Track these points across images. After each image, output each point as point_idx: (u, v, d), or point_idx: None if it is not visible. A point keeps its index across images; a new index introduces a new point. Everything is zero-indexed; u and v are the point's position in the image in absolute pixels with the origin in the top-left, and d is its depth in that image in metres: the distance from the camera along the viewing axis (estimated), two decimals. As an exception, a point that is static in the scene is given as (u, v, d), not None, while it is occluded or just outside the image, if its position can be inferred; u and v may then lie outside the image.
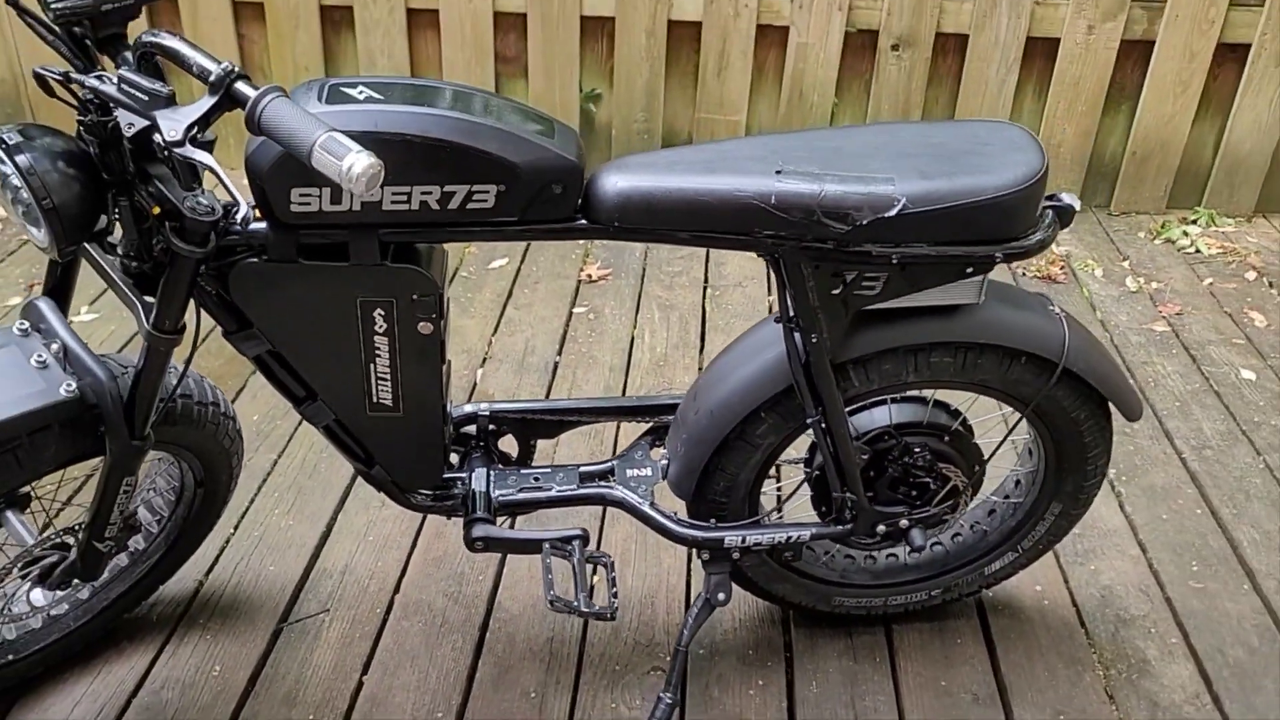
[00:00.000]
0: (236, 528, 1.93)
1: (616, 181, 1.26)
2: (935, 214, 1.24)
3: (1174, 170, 3.24)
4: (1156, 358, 2.56)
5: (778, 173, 1.25)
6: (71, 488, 1.94)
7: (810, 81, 3.18)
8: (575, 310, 2.69)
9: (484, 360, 2.48)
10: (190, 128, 0.95)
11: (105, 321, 2.55)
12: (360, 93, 1.17)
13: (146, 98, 0.97)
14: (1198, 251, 3.08)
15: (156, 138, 1.09)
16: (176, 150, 0.95)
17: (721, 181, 1.25)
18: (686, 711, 1.62)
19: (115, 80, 1.00)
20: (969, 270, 1.31)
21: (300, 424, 2.20)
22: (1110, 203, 3.32)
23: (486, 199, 1.22)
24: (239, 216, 0.99)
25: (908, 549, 1.72)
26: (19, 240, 2.92)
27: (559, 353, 2.52)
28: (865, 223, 1.24)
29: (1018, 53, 3.10)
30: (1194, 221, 3.23)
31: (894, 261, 1.28)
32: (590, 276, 2.84)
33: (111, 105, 1.07)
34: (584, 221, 1.29)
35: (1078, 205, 1.36)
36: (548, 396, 2.35)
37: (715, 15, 3.11)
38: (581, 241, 3.00)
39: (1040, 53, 3.12)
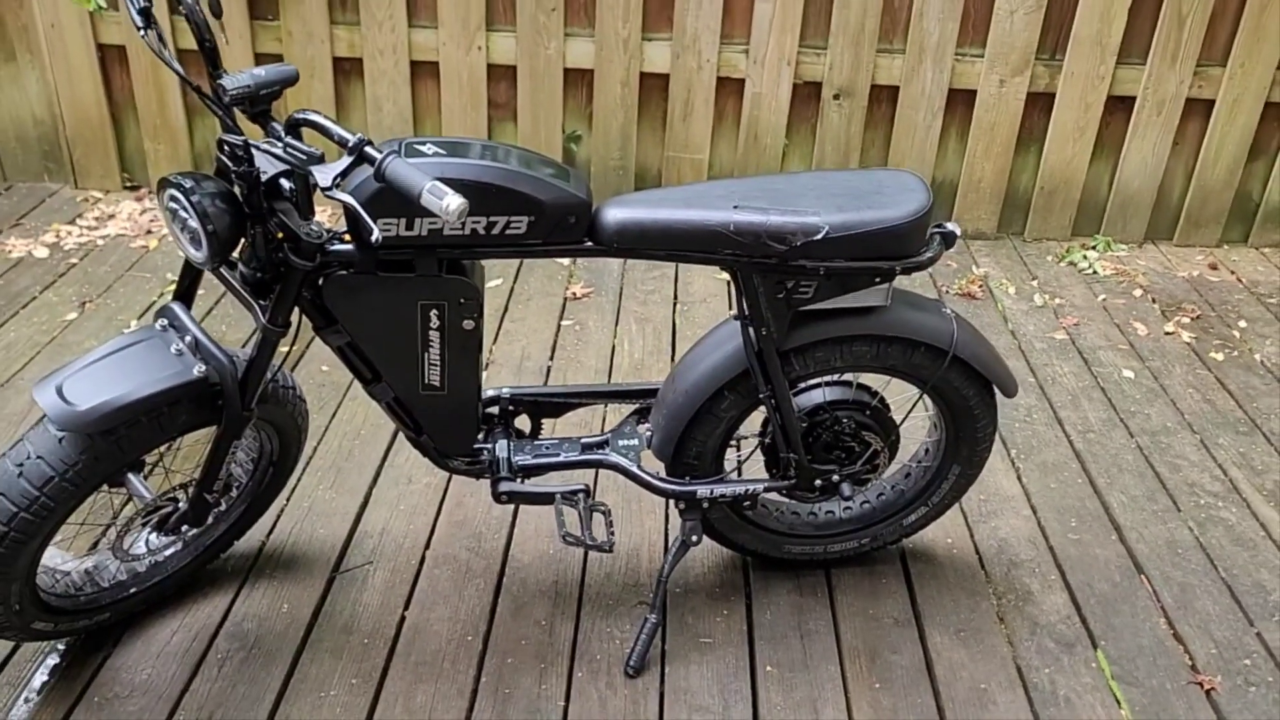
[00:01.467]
0: (288, 500, 2.32)
1: (616, 213, 1.69)
2: (850, 237, 1.68)
3: (1076, 203, 3.74)
4: (1055, 360, 3.03)
5: (735, 207, 1.68)
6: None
7: (764, 126, 3.64)
8: (563, 323, 3.11)
9: (487, 365, 2.89)
10: (335, 178, 1.37)
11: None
12: (429, 149, 1.58)
13: (305, 157, 1.38)
14: (1095, 273, 3.57)
15: (284, 182, 1.51)
16: (325, 193, 1.37)
17: (694, 214, 1.68)
18: (667, 635, 2.02)
19: (281, 145, 1.40)
20: (877, 279, 1.75)
21: (334, 416, 2.60)
22: (1024, 231, 3.81)
23: (520, 227, 1.63)
24: (374, 238, 1.38)
25: (842, 505, 2.16)
26: (67, 264, 3.29)
27: (551, 358, 2.94)
28: (799, 244, 1.67)
29: (941, 102, 3.59)
30: (1093, 247, 3.73)
31: (821, 272, 1.71)
32: (575, 294, 3.26)
33: (253, 158, 1.48)
34: (590, 243, 1.71)
35: (959, 231, 1.81)
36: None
37: (681, 69, 3.57)
38: (566, 264, 3.43)
39: (960, 102, 3.61)
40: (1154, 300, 3.41)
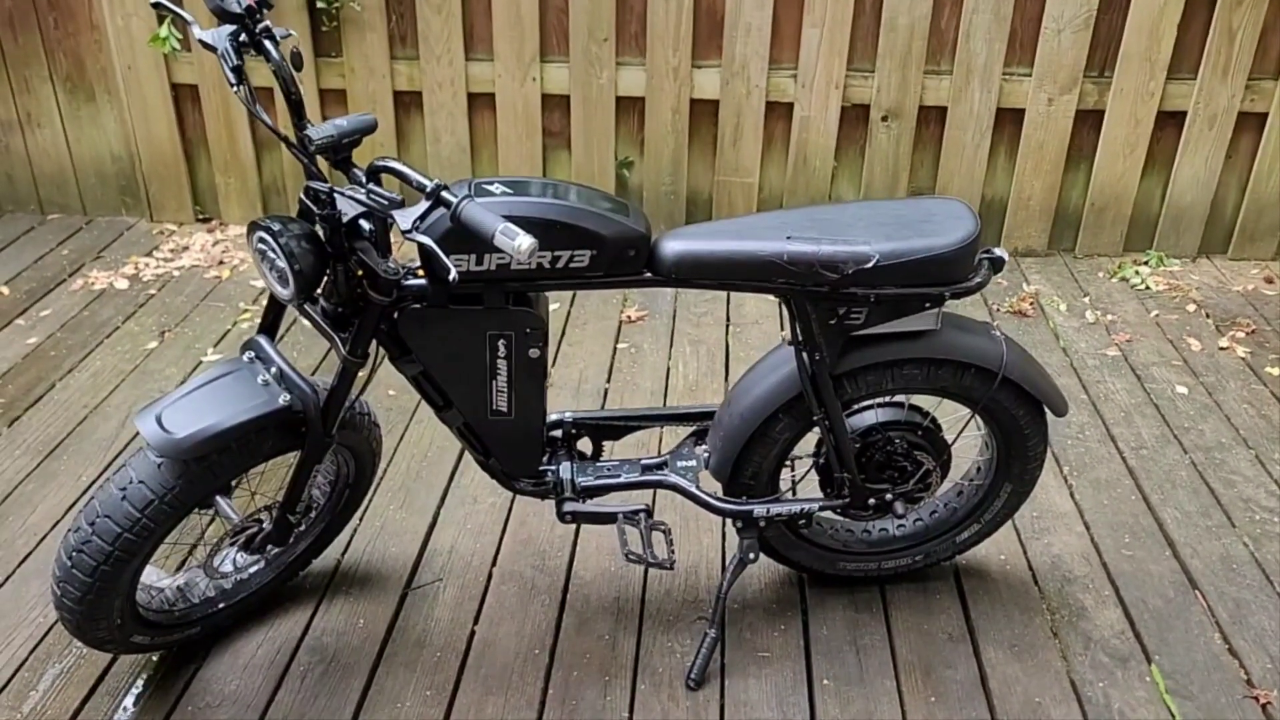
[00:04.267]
0: (361, 520, 2.42)
1: (674, 246, 1.76)
2: (900, 265, 1.74)
3: (1127, 219, 3.75)
4: (1108, 377, 3.05)
5: (788, 238, 1.76)
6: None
7: (812, 149, 3.71)
8: (619, 346, 3.20)
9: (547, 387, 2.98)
10: (415, 221, 1.47)
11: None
12: (497, 189, 1.68)
13: (386, 202, 1.48)
14: (1147, 288, 3.58)
15: (363, 223, 1.62)
16: (406, 235, 1.47)
17: (749, 245, 1.75)
18: (726, 649, 2.09)
19: (365, 191, 1.51)
20: (927, 304, 1.81)
21: (402, 438, 2.71)
22: (1075, 247, 3.83)
23: (583, 260, 1.72)
24: (451, 278, 1.47)
25: (895, 523, 2.21)
26: (146, 295, 3.45)
27: (608, 381, 3.02)
28: (850, 273, 1.74)
29: (989, 122, 3.63)
30: (1145, 263, 3.73)
31: (872, 299, 1.78)
32: (630, 318, 3.35)
33: (335, 202, 1.59)
34: (649, 274, 1.79)
35: (1006, 256, 1.86)
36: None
37: (731, 95, 3.65)
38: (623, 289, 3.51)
39: (1009, 121, 3.65)
40: (1208, 315, 3.41)
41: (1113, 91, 3.55)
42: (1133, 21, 3.45)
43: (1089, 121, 3.63)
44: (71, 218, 4.02)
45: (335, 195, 1.59)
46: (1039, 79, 3.55)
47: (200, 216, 4.00)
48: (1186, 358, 3.15)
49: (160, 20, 3.58)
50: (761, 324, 3.33)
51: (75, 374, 3.00)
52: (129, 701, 1.94)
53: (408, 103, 3.77)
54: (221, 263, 3.68)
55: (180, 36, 3.58)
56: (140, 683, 1.98)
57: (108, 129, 3.90)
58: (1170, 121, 3.61)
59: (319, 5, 3.56)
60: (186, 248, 3.79)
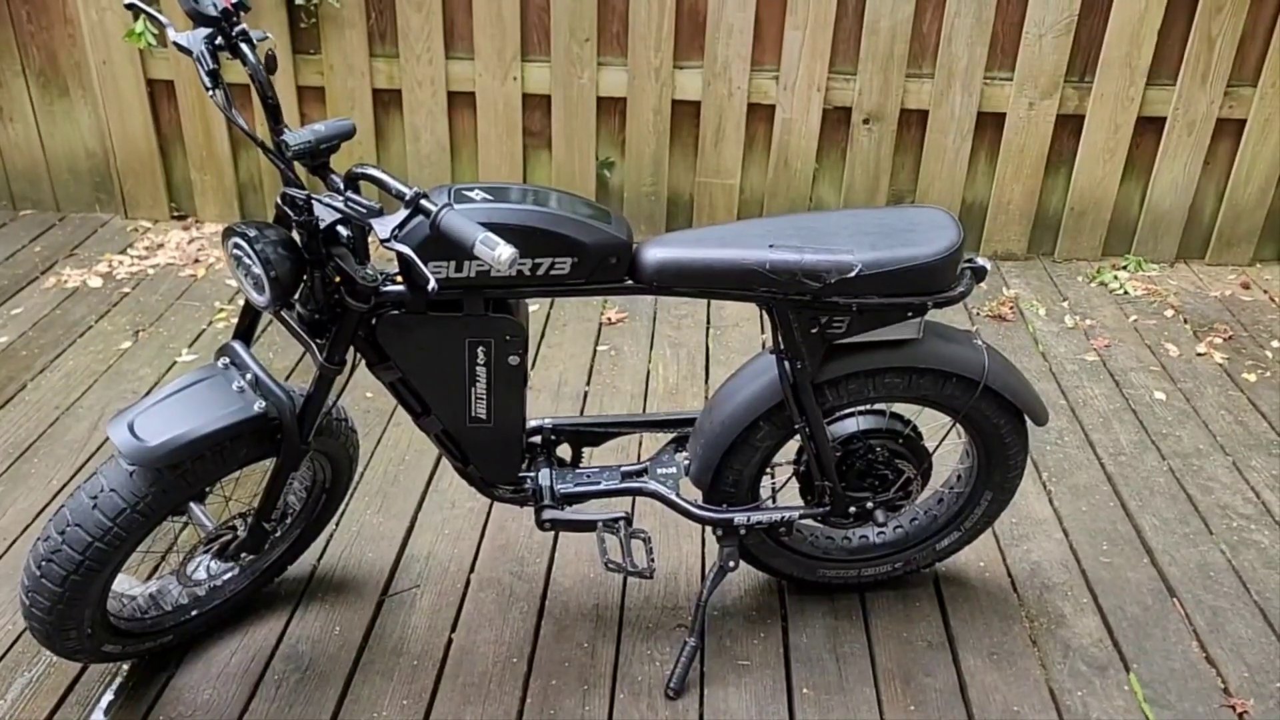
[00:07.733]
0: (337, 525, 2.40)
1: (656, 253, 1.75)
2: (883, 275, 1.74)
3: (1106, 223, 3.76)
4: (1087, 382, 3.06)
5: (771, 247, 1.74)
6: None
7: (794, 151, 3.70)
8: (599, 348, 3.18)
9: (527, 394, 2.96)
10: (394, 230, 1.44)
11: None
12: (477, 195, 1.66)
13: (365, 210, 1.46)
14: (1126, 293, 3.60)
15: (340, 229, 1.59)
16: (385, 244, 1.44)
17: (731, 253, 1.74)
18: (705, 657, 2.08)
19: (343, 199, 1.48)
20: (909, 314, 1.81)
21: (379, 442, 2.68)
22: (1054, 251, 3.84)
23: (564, 267, 1.70)
24: (430, 288, 1.45)
25: (876, 530, 2.20)
26: (120, 293, 3.40)
27: (587, 383, 3.01)
28: (833, 282, 1.73)
29: (970, 125, 3.63)
30: (1124, 267, 3.75)
31: (854, 308, 1.77)
32: (610, 320, 3.33)
33: (312, 209, 1.56)
34: (631, 282, 1.78)
35: (989, 266, 1.86)
36: (581, 419, 2.83)
37: (712, 96, 3.63)
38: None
39: (990, 125, 3.65)
40: (1186, 320, 3.43)
41: (1093, 97, 3.56)
42: (1113, 27, 3.47)
43: (1069, 126, 3.64)
44: (44, 214, 3.96)
45: (313, 202, 1.56)
46: (1020, 83, 3.56)
47: (175, 214, 3.95)
48: (1164, 363, 3.16)
49: (136, 15, 3.52)
50: (741, 326, 3.32)
51: (47, 374, 2.95)
52: (100, 711, 1.91)
53: (387, 101, 3.73)
54: (197, 261, 3.63)
55: (156, 32, 3.52)
56: (111, 692, 1.95)
57: (81, 124, 3.84)
58: (1149, 127, 3.63)
59: (297, 2, 3.52)
60: (161, 245, 3.74)
